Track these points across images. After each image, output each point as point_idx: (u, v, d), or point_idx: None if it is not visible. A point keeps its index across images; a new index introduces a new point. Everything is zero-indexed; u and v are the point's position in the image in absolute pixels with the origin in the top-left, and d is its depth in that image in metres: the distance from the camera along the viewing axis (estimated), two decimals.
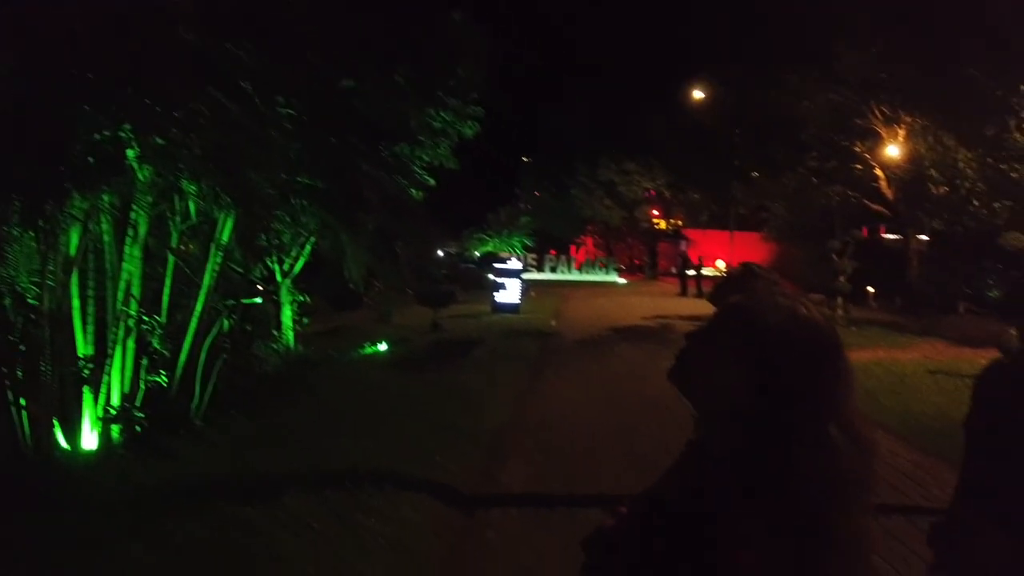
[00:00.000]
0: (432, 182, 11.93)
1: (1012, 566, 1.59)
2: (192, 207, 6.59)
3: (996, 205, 12.60)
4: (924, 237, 27.51)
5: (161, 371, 6.82)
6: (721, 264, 39.57)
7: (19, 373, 5.83)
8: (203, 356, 7.48)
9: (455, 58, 10.50)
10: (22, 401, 5.87)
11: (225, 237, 7.35)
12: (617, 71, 34.87)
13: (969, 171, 12.99)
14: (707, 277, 33.63)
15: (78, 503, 4.89)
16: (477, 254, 39.41)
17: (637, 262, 46.99)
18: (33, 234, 5.84)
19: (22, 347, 5.84)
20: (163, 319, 7.19)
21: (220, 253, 7.40)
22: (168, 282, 7.31)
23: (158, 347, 6.74)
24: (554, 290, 29.08)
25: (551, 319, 18.77)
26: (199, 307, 7.51)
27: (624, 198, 39.37)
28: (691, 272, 30.35)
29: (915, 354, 12.78)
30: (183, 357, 7.47)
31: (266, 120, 5.71)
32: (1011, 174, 12.11)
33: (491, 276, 20.90)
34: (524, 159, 49.68)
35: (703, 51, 26.03)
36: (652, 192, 42.18)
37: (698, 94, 26.63)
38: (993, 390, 1.81)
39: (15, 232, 5.79)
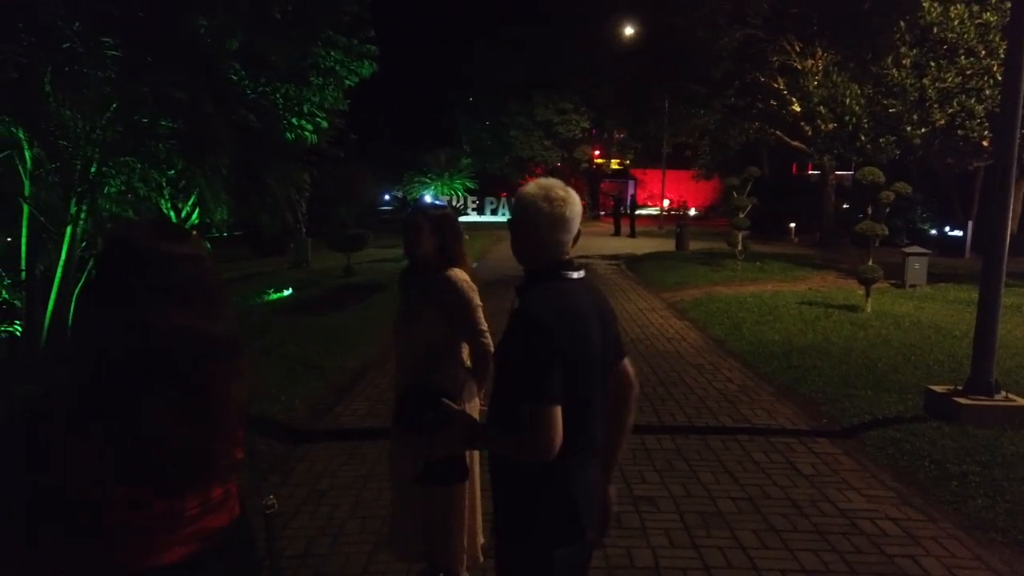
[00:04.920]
0: (325, 124, 11.86)
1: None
2: (28, 154, 6.54)
3: (881, 140, 13.03)
4: (848, 172, 28.20)
5: (15, 322, 6.89)
6: (666, 203, 40.03)
7: None
8: (73, 307, 7.52)
9: None
10: None
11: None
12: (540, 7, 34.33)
13: (856, 107, 13.35)
14: (641, 216, 34.13)
15: None
16: (421, 199, 39.17)
17: (583, 203, 47.30)
18: None
19: None
20: (22, 269, 7.22)
21: (82, 202, 7.37)
22: (24, 232, 7.30)
23: (7, 298, 6.79)
24: (491, 232, 29.26)
25: (473, 261, 18.99)
26: (63, 257, 7.53)
27: (562, 138, 39.30)
28: (635, 212, 30.83)
29: (802, 286, 13.34)
30: (51, 307, 7.52)
31: (80, 58, 5.69)
32: (890, 110, 12.50)
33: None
34: (470, 99, 49.14)
35: None
36: (593, 131, 42.20)
37: (628, 30, 26.52)
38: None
39: None
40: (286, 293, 13.25)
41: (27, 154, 6.72)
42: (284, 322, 9.64)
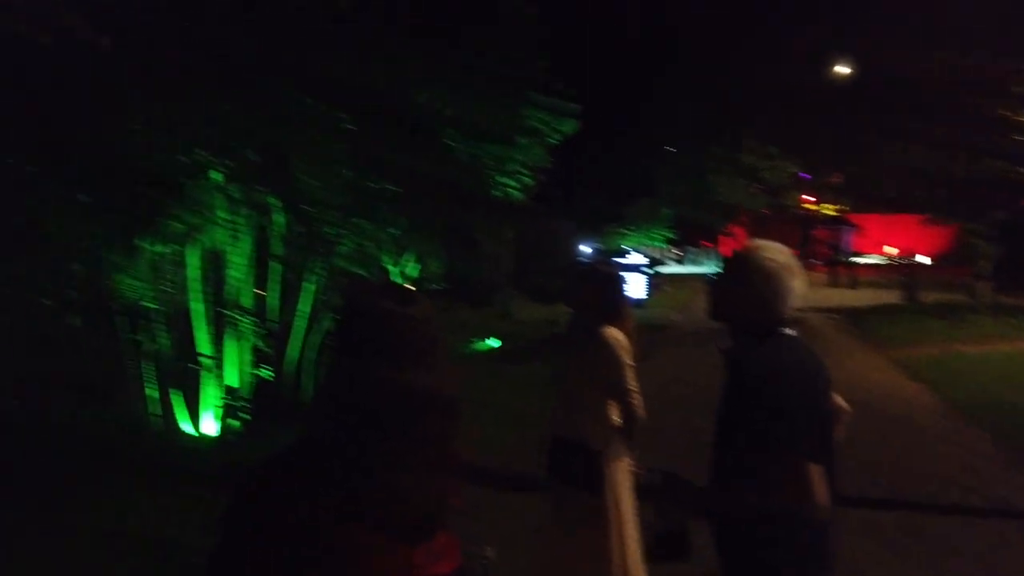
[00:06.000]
0: (530, 181, 12.44)
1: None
2: (279, 219, 7.50)
3: None
4: None
5: (264, 367, 7.84)
6: (891, 250, 36.84)
7: (148, 367, 7.03)
8: (313, 353, 8.45)
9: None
10: (151, 391, 7.06)
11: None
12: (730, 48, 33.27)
13: None
14: (861, 265, 31.51)
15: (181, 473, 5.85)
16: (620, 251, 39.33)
17: (795, 252, 44.61)
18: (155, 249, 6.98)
19: (153, 346, 7.04)
20: (275, 319, 8.26)
21: (320, 260, 8.29)
22: (276, 287, 8.34)
23: (262, 346, 7.77)
24: (693, 284, 28.57)
25: (675, 313, 18.62)
26: (306, 308, 8.47)
27: (769, 183, 37.63)
28: (854, 260, 28.74)
29: None
30: (295, 354, 8.48)
31: (321, 135, 6.50)
32: None
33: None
34: (669, 149, 48.84)
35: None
36: (807, 176, 39.94)
37: (842, 69, 24.94)
38: None
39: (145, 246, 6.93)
40: (494, 344, 13.78)
41: (278, 218, 7.72)
42: (492, 371, 10.03)
